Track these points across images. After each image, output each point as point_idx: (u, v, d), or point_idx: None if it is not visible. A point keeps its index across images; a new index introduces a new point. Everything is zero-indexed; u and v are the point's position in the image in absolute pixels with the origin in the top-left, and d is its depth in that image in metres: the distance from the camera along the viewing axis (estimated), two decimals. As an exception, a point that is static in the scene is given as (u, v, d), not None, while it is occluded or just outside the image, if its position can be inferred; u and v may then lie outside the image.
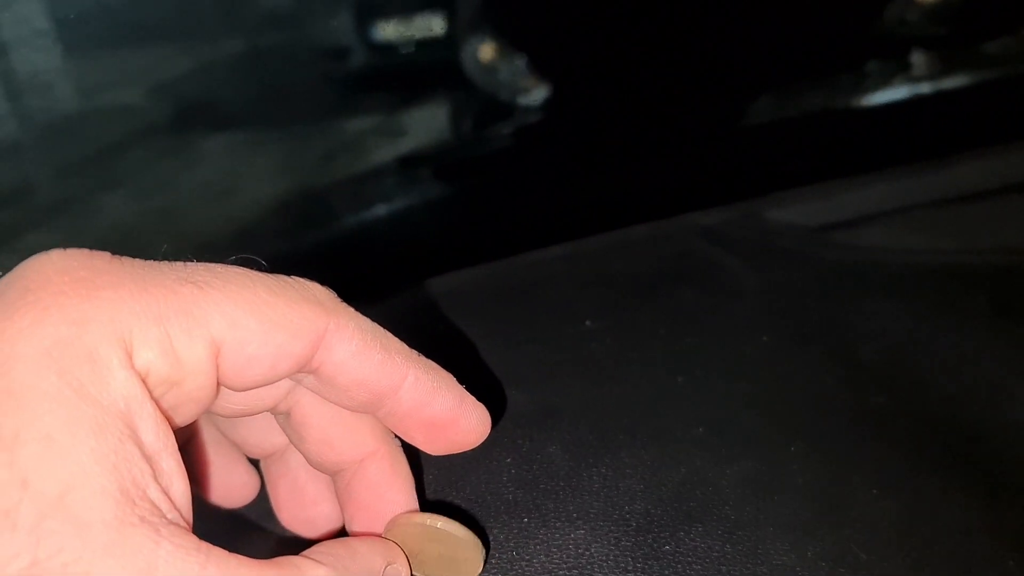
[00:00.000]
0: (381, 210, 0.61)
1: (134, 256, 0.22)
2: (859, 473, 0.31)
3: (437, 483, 0.30)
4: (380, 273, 0.54)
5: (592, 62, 0.62)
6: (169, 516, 0.19)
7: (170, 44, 0.50)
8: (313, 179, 0.58)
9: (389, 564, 0.24)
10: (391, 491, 0.26)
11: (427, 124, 0.62)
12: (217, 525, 0.26)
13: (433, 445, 0.26)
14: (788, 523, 0.28)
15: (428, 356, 0.24)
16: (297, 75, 0.56)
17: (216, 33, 0.51)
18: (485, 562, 0.26)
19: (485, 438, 0.26)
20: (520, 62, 0.59)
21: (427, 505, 0.29)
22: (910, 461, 0.32)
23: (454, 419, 0.25)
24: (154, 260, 0.22)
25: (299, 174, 0.57)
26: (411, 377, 0.24)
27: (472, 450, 0.31)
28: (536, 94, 0.61)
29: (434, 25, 0.57)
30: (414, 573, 0.25)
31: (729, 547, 0.27)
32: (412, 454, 0.27)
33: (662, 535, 0.27)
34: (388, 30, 0.56)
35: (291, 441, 0.27)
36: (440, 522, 0.25)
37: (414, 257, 0.58)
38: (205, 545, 0.19)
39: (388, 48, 0.56)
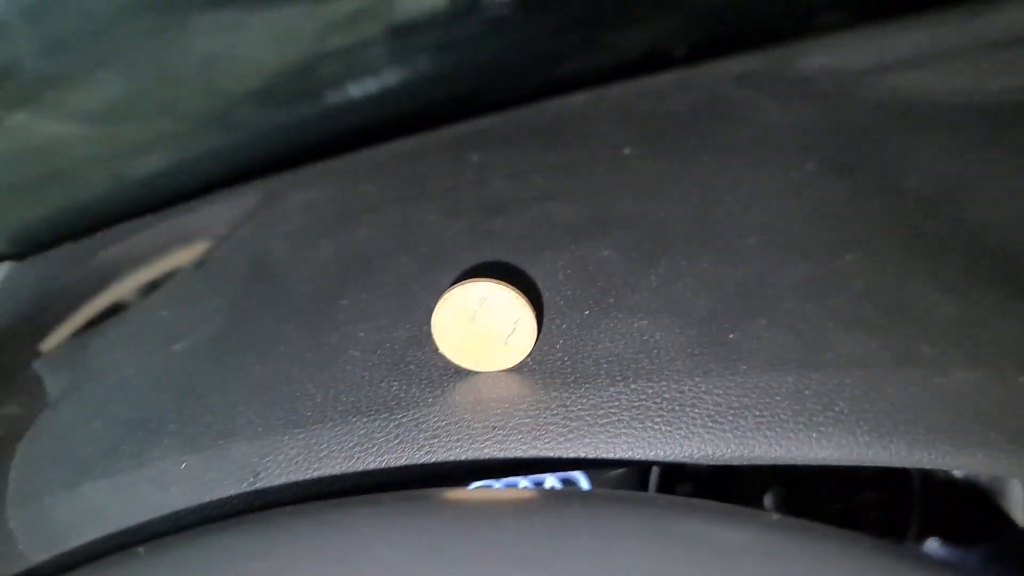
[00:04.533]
0: (376, 83, 0.59)
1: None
2: (916, 281, 0.30)
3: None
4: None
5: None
6: None
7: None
8: (306, 54, 0.56)
9: None
10: None
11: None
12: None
13: None
14: (850, 320, 0.28)
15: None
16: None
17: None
18: (539, 332, 0.25)
19: None
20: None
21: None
22: (966, 272, 0.31)
23: None
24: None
25: (291, 50, 0.55)
26: None
27: (521, 253, 0.30)
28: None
29: None
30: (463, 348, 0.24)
31: (793, 338, 0.26)
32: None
33: (726, 325, 0.27)
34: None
35: None
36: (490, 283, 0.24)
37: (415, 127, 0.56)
38: None
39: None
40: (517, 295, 0.24)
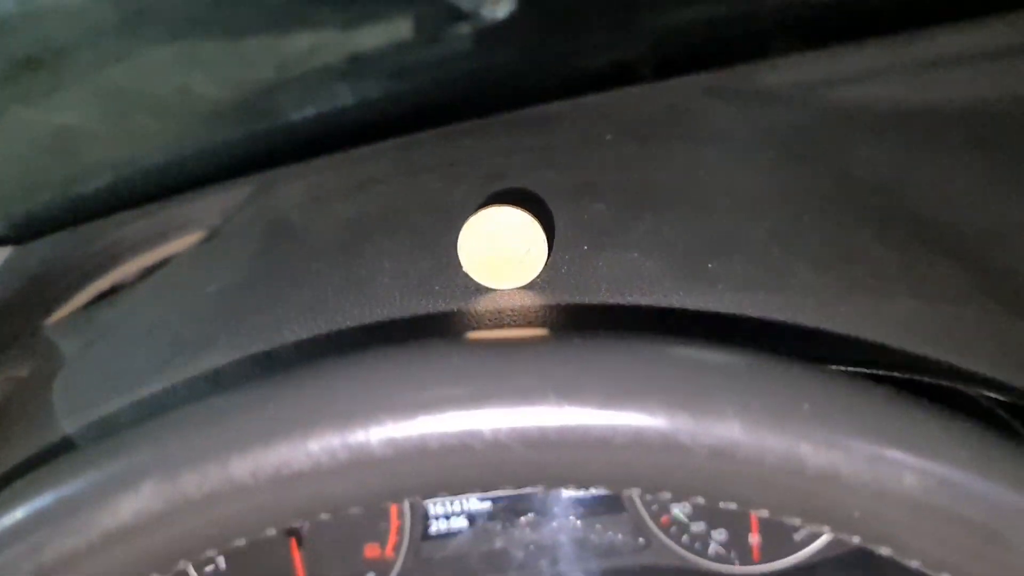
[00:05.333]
0: (333, 113, 0.61)
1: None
2: (863, 238, 0.35)
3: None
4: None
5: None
6: None
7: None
8: (264, 85, 0.58)
9: None
10: None
11: (385, 31, 0.61)
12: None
13: None
14: (809, 260, 0.32)
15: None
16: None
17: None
18: (550, 252, 0.29)
19: None
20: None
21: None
22: (906, 235, 0.36)
23: None
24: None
25: (250, 81, 0.57)
26: None
27: (515, 200, 0.35)
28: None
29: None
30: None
31: (762, 269, 0.31)
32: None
33: (704, 258, 0.31)
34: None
35: None
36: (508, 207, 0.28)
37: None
38: None
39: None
40: (532, 219, 0.29)
